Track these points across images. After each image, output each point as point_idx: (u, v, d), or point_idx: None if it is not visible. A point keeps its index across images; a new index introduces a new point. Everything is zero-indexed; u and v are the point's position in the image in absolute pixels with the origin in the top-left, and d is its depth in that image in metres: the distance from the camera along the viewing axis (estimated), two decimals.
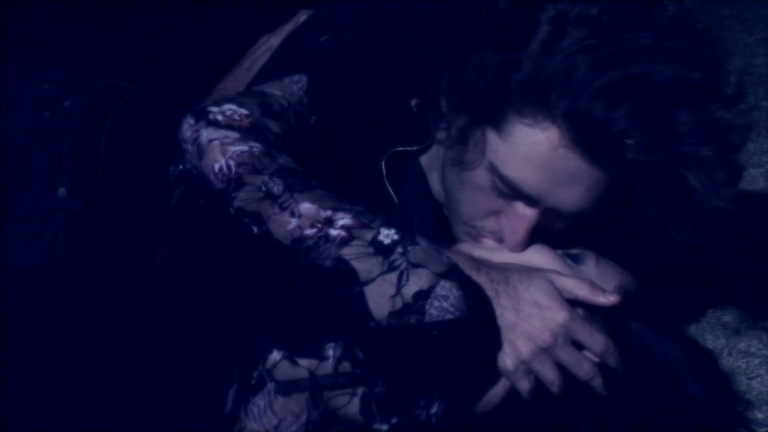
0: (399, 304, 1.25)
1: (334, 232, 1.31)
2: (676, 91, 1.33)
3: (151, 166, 1.79)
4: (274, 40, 1.81)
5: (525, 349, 1.37)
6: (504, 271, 1.41)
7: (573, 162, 1.39)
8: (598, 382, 1.39)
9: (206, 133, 1.44)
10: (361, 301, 1.26)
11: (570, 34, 1.35)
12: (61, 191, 1.79)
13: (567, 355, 1.38)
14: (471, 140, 1.45)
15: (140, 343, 1.25)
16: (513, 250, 1.49)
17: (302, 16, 1.78)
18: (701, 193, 1.38)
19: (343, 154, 1.63)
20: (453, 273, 1.28)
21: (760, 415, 1.67)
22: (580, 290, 1.41)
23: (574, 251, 1.51)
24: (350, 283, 1.27)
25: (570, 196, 1.43)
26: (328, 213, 1.33)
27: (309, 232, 1.32)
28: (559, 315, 1.37)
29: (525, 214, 1.46)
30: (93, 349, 1.24)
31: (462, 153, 1.47)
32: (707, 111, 1.36)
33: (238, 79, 1.81)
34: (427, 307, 1.25)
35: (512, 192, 1.45)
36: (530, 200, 1.44)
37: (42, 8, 2.40)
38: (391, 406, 1.24)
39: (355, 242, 1.30)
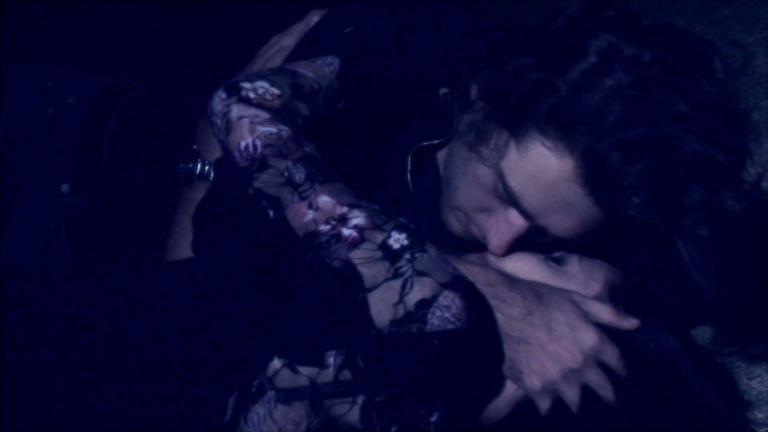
0: (401, 312, 1.25)
1: (346, 231, 1.31)
2: (696, 165, 1.34)
3: (156, 164, 1.80)
4: (285, 41, 1.80)
5: (554, 369, 1.37)
6: (537, 289, 1.41)
7: (577, 196, 1.40)
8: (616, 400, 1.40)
9: (237, 110, 1.43)
10: (364, 307, 1.26)
11: (616, 74, 1.36)
12: (65, 187, 1.79)
13: (595, 377, 1.38)
14: (491, 139, 1.46)
15: (140, 350, 1.25)
16: (494, 252, 1.50)
17: (314, 16, 1.78)
18: (686, 264, 1.39)
19: (367, 145, 1.64)
20: (457, 283, 1.28)
21: (760, 415, 1.68)
22: (605, 314, 1.42)
23: (556, 254, 1.52)
24: (355, 289, 1.27)
25: (563, 223, 1.44)
26: (344, 210, 1.33)
27: (323, 228, 1.32)
28: (589, 336, 1.38)
29: (515, 223, 1.48)
30: (92, 355, 1.24)
31: (478, 145, 1.47)
32: (719, 195, 1.37)
33: None
34: (429, 316, 1.25)
35: (510, 202, 1.46)
36: (524, 214, 1.45)
37: (45, 6, 2.40)
38: (391, 414, 1.24)
39: (365, 245, 1.30)
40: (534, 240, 1.51)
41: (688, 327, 1.87)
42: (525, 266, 1.48)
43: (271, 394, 1.22)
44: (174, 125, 1.82)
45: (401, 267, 1.28)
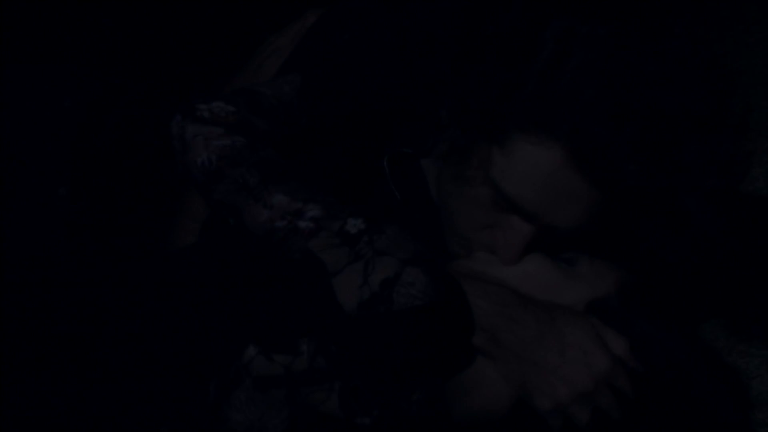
0: (366, 293, 1.23)
1: (302, 224, 1.31)
2: (681, 120, 1.32)
3: (156, 167, 1.80)
4: (282, 41, 1.79)
5: (564, 393, 1.35)
6: (550, 311, 1.38)
7: (574, 182, 1.38)
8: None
9: (191, 129, 1.43)
10: (331, 293, 1.25)
11: (576, 54, 1.35)
12: (62, 191, 1.79)
13: (606, 401, 1.36)
14: (474, 156, 1.45)
15: (131, 343, 1.26)
16: (507, 264, 1.47)
17: (310, 17, 1.77)
18: (699, 218, 1.37)
19: (353, 152, 1.62)
20: (419, 259, 1.26)
21: (760, 415, 1.67)
22: (619, 347, 1.38)
23: (566, 255, 1.50)
24: (319, 275, 1.26)
25: (568, 216, 1.42)
26: (299, 205, 1.33)
27: (279, 224, 1.32)
28: (602, 361, 1.35)
29: (521, 230, 1.45)
30: (84, 353, 1.25)
31: (464, 169, 1.46)
32: (711, 142, 1.35)
33: (250, 80, 1.80)
34: (395, 295, 1.24)
35: (510, 208, 1.44)
36: (527, 217, 1.44)
37: (44, 6, 2.40)
38: (370, 398, 1.23)
39: (322, 234, 1.29)
40: (547, 239, 1.49)
41: (689, 328, 1.87)
42: (530, 268, 1.46)
43: (248, 381, 1.23)
44: None
45: (361, 249, 1.27)
